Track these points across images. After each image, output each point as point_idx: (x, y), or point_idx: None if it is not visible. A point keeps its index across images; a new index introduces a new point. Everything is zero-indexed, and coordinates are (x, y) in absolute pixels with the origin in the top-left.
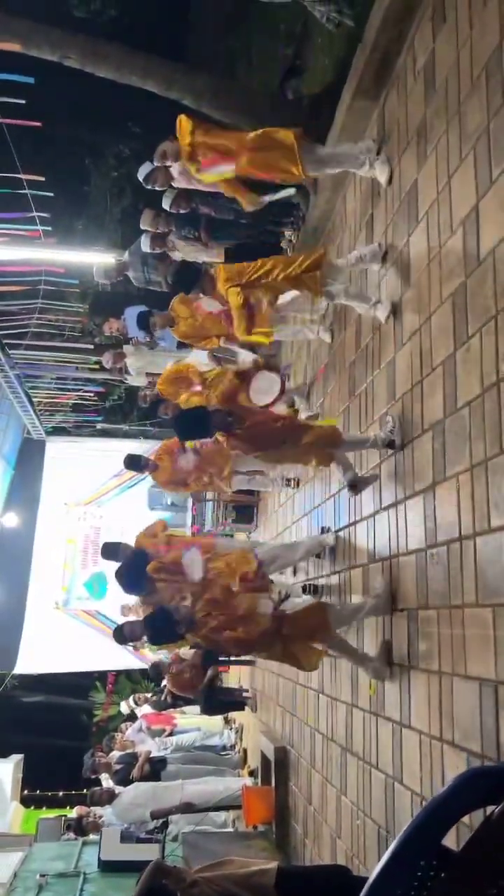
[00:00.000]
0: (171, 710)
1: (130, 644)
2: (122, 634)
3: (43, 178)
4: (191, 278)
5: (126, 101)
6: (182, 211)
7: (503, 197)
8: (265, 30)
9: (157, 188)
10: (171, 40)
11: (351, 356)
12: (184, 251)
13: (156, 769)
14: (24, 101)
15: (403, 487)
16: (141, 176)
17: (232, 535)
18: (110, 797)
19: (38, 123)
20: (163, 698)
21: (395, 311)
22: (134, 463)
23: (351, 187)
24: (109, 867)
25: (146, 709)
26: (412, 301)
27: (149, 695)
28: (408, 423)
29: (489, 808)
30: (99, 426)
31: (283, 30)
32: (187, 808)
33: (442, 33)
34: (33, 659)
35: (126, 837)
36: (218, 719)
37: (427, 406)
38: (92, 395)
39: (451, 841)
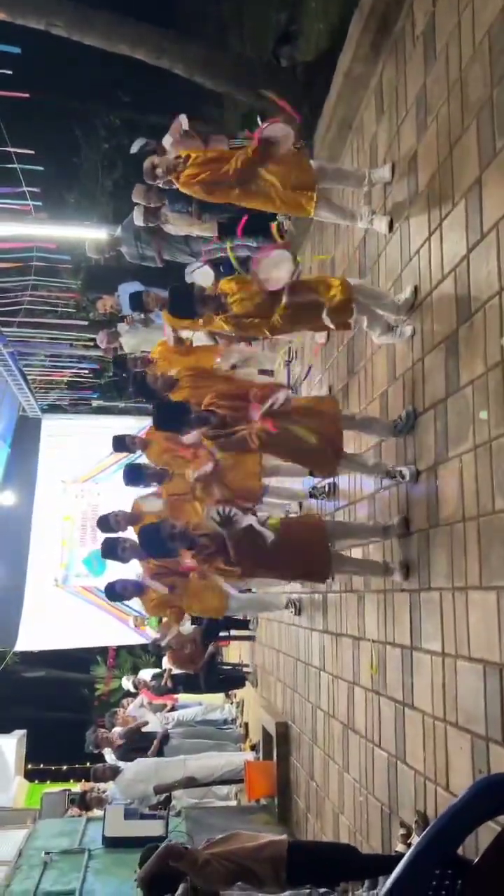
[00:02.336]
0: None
1: (122, 602)
2: (115, 591)
3: (32, 152)
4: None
5: (115, 70)
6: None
7: None
8: None
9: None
10: (160, 6)
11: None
12: (176, 224)
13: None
14: (10, 72)
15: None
16: (133, 151)
17: None
18: (113, 773)
19: (25, 95)
20: (162, 683)
21: (397, 282)
22: (120, 444)
23: (348, 158)
24: (114, 844)
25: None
26: (412, 272)
27: (148, 678)
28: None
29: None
30: (94, 403)
31: None
32: (190, 782)
33: None
34: (34, 636)
35: (130, 814)
36: (219, 694)
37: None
38: (87, 372)
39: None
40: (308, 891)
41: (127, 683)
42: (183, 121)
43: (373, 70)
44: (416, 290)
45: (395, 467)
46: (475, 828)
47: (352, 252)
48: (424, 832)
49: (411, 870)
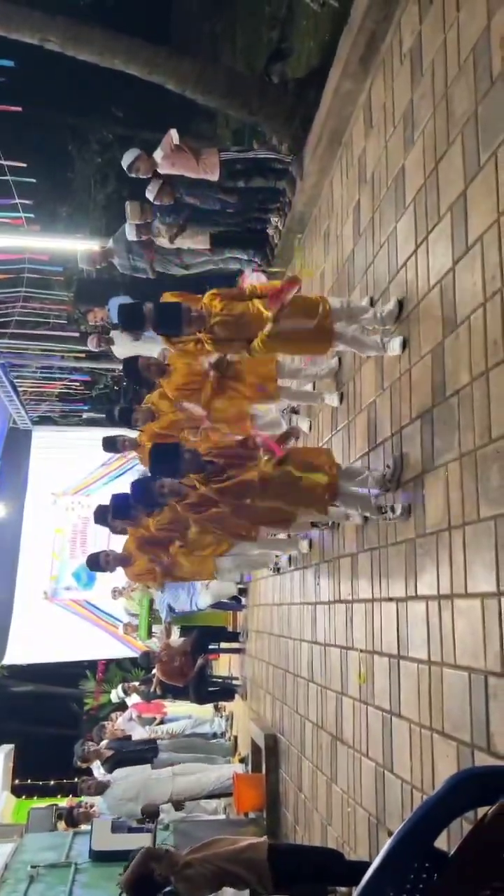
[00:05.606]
0: (160, 700)
1: (103, 570)
2: (98, 562)
3: (25, 165)
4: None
5: (109, 85)
6: (166, 202)
7: (491, 182)
8: (250, 12)
9: (140, 176)
10: (153, 23)
11: None
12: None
13: (147, 755)
14: (4, 79)
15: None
16: (125, 164)
17: None
18: (101, 788)
19: (18, 108)
20: (151, 689)
21: (383, 294)
22: (109, 444)
23: (338, 173)
24: (101, 857)
25: (135, 698)
26: (399, 284)
27: (137, 683)
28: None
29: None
30: (85, 415)
31: (267, 12)
32: (178, 805)
33: (429, 15)
34: (23, 649)
35: (117, 828)
36: (208, 707)
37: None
38: (78, 384)
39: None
40: None
41: (116, 694)
42: (174, 136)
43: (361, 86)
44: (400, 302)
45: (386, 504)
46: (452, 821)
47: (341, 265)
48: (401, 825)
49: (388, 863)
